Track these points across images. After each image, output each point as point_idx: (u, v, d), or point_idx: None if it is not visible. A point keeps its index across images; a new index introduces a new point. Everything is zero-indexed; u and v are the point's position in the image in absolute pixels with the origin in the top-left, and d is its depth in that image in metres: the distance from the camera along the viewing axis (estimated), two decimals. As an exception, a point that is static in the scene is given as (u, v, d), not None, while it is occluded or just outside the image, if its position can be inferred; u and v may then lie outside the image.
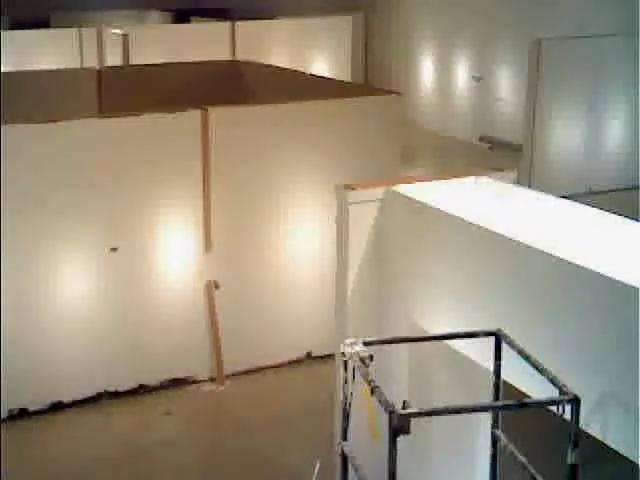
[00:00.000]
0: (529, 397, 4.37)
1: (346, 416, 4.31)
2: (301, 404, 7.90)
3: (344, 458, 4.34)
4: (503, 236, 4.55)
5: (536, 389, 4.25)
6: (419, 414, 3.69)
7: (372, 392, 3.85)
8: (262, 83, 11.44)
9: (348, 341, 4.15)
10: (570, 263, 4.13)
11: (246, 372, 8.38)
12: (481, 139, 18.27)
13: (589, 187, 14.19)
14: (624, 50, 14.16)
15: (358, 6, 22.20)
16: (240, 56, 14.54)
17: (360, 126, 8.54)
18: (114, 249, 7.74)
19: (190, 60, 12.32)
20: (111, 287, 7.84)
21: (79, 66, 14.43)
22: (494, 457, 4.58)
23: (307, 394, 8.02)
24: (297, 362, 8.63)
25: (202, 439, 7.60)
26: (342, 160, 8.38)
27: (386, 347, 5.36)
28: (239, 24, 17.17)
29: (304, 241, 8.50)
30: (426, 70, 20.45)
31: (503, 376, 4.44)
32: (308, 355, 8.66)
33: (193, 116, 7.90)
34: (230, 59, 14.51)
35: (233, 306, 8.31)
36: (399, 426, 3.64)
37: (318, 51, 17.49)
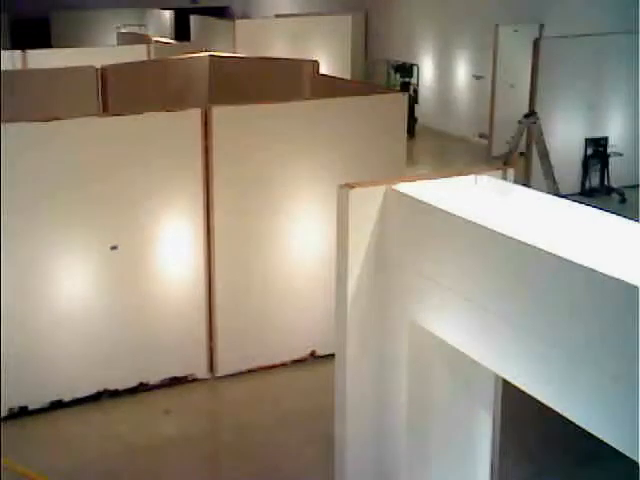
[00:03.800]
0: (530, 396, 4.37)
1: None
2: (304, 404, 7.86)
3: None
4: (503, 235, 4.54)
5: (536, 388, 4.25)
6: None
7: None
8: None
9: None
10: (570, 262, 4.13)
11: (249, 371, 8.37)
12: (481, 137, 18.28)
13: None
14: (624, 48, 14.17)
15: (359, 5, 22.22)
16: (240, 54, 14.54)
17: (363, 125, 8.50)
18: (114, 247, 7.73)
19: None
20: (111, 286, 7.84)
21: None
22: (494, 457, 4.58)
23: (311, 394, 7.98)
24: (301, 361, 8.60)
25: (202, 438, 7.60)
26: (345, 159, 8.33)
27: (386, 347, 5.37)
28: (239, 22, 17.20)
29: (306, 240, 8.47)
30: (426, 68, 20.46)
31: (503, 376, 4.44)
32: (312, 354, 8.64)
33: (194, 115, 7.89)
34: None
35: (236, 305, 8.30)
36: None
37: (318, 50, 17.51)
